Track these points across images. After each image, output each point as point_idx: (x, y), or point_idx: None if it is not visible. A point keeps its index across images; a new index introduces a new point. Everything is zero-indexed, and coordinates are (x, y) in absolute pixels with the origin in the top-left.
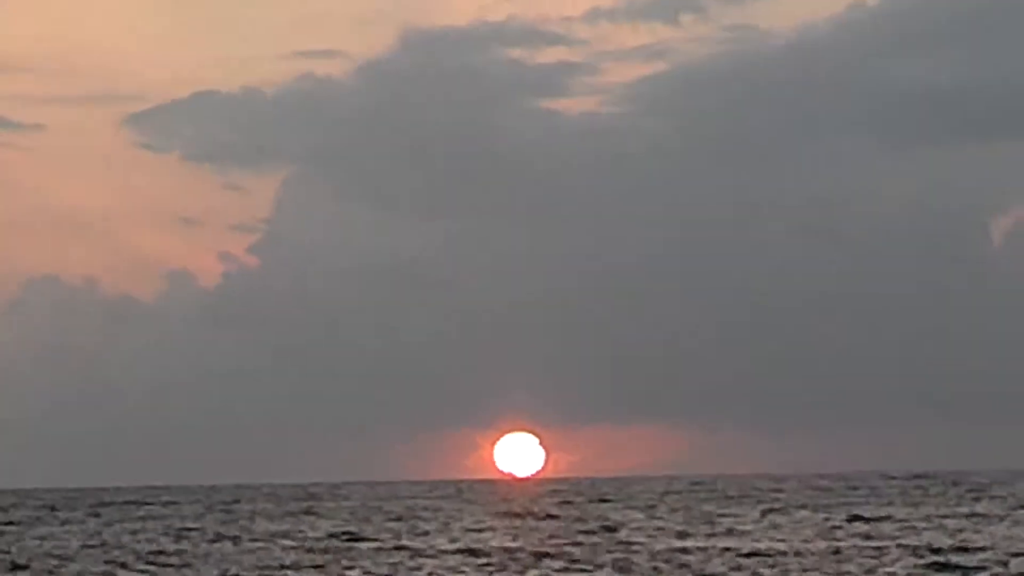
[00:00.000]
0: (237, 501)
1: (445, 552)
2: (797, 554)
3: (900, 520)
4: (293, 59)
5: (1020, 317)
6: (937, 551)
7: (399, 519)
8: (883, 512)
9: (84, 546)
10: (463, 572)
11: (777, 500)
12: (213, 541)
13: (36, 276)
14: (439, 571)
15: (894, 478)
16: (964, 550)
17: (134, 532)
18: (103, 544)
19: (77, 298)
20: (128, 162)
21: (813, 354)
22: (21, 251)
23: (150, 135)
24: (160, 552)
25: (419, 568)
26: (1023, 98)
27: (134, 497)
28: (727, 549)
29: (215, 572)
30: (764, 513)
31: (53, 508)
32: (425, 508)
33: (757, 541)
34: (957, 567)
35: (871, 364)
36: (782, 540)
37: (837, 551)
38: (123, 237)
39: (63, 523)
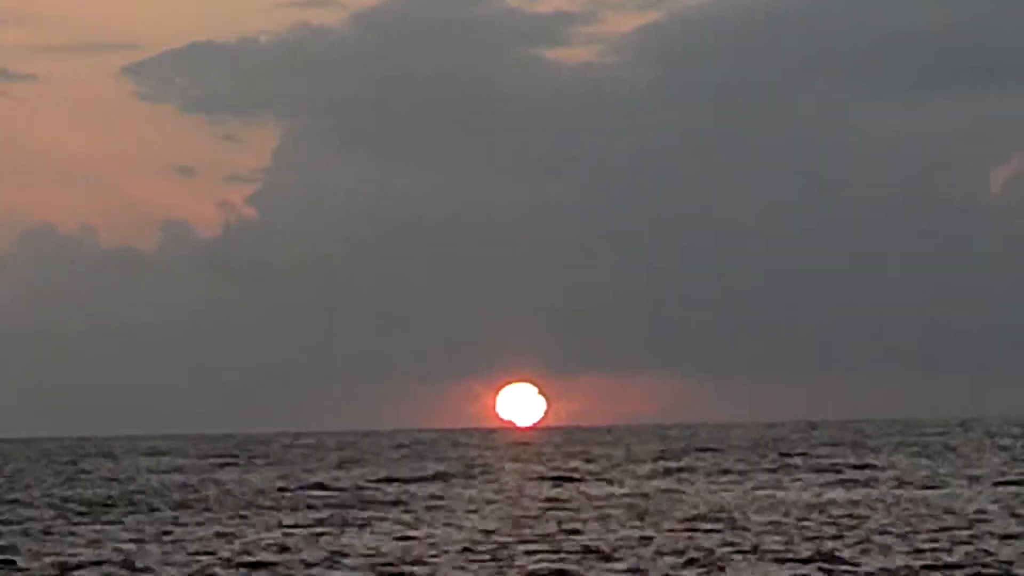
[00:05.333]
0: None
1: None
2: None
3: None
4: (288, 8)
5: (1010, 265)
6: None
7: None
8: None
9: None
10: None
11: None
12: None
13: (32, 226)
14: None
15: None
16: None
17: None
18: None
19: (74, 247)
20: (124, 112)
21: (812, 303)
22: (17, 200)
23: (146, 85)
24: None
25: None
26: (1020, 46)
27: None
28: None
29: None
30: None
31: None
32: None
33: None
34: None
35: (870, 313)
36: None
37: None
38: (120, 187)
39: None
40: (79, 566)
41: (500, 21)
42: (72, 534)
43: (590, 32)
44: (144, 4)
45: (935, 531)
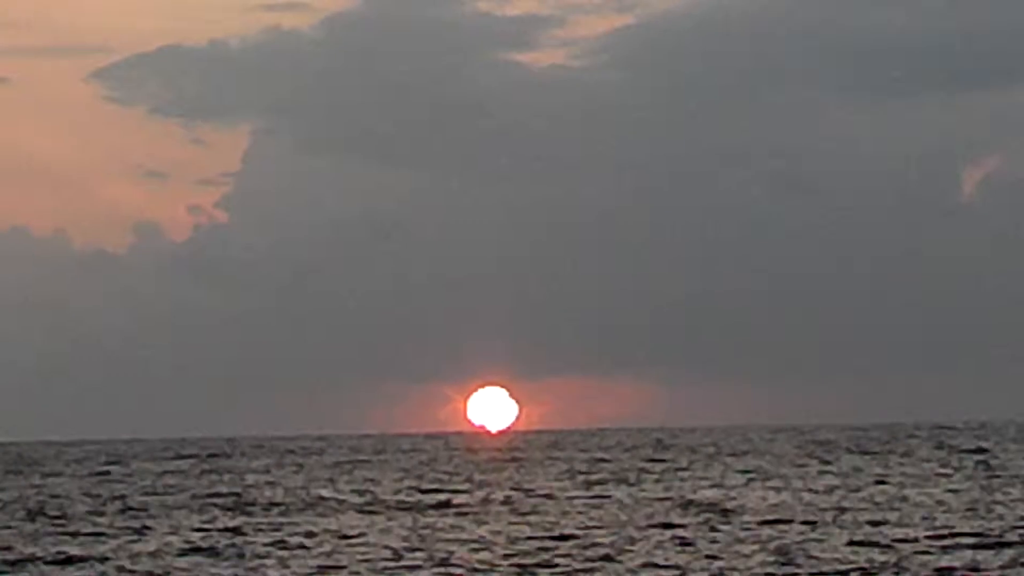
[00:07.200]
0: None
1: None
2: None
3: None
4: (259, 12)
5: (986, 266)
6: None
7: None
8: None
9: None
10: None
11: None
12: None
13: (5, 228)
14: None
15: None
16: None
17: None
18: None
19: (47, 250)
20: (95, 115)
21: (782, 305)
22: None
23: (116, 88)
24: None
25: None
26: (991, 49)
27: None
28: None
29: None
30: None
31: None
32: None
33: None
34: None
35: (841, 315)
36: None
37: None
38: (92, 190)
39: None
40: None
41: (470, 24)
42: None
43: (561, 35)
44: (114, 8)
45: None
